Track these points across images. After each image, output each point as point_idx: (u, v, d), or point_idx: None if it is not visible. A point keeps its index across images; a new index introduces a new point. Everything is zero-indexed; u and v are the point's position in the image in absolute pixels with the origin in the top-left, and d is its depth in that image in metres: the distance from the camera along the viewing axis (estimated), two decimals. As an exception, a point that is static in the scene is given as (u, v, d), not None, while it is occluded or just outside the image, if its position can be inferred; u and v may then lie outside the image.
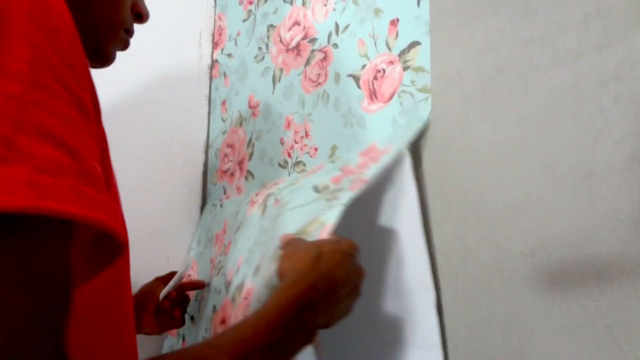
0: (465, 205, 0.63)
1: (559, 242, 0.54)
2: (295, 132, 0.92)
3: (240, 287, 0.78)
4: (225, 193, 1.12)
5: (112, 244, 0.36)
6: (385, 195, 0.69)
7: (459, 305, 0.63)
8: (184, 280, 0.97)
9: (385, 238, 0.69)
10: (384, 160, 0.66)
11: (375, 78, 0.77)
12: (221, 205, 1.09)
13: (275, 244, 0.71)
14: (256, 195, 0.93)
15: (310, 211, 0.69)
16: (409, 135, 0.67)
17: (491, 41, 0.63)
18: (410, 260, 0.66)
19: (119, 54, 0.65)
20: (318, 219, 0.65)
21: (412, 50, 0.71)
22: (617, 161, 0.51)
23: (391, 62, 0.74)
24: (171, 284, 0.89)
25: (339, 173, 0.75)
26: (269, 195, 0.85)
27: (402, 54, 0.73)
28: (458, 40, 0.67)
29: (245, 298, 0.78)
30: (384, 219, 0.70)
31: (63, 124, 0.32)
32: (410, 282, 0.66)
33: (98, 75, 0.63)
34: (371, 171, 0.66)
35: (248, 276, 0.77)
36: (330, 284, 0.49)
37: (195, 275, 1.07)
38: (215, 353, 0.38)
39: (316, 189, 0.74)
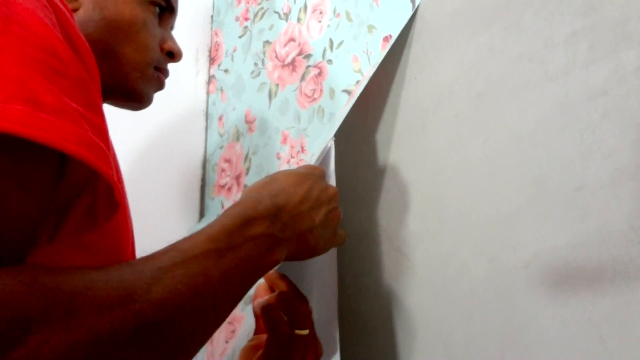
0: (460, 219, 0.64)
1: (552, 255, 0.55)
2: (292, 147, 0.93)
3: None
4: (222, 208, 1.12)
5: (108, 202, 0.38)
6: None
7: (455, 319, 0.63)
8: None
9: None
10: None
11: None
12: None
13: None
14: None
15: None
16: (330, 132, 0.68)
17: (482, 57, 0.64)
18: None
19: None
20: None
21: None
22: (606, 175, 0.52)
23: (384, 78, 0.76)
24: None
25: None
26: None
27: (395, 70, 0.74)
28: (449, 57, 0.68)
29: (230, 323, 0.79)
30: None
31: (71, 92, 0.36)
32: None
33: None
34: None
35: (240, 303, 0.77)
36: (284, 200, 0.47)
37: None
38: (145, 262, 0.35)
39: None
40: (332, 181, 0.63)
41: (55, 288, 0.29)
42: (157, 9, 0.65)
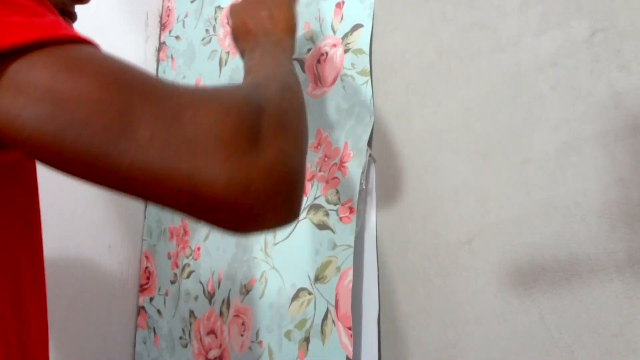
0: (406, 193, 0.62)
1: (496, 230, 0.54)
2: (241, 117, 0.89)
3: (227, 303, 0.83)
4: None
5: None
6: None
7: (398, 294, 0.61)
8: None
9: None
10: (352, 170, 0.67)
11: (318, 62, 0.74)
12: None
13: (256, 264, 0.78)
14: None
15: (306, 245, 0.71)
16: (365, 134, 0.66)
17: (433, 25, 0.61)
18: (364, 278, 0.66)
19: None
20: (332, 262, 0.67)
21: (355, 33, 0.69)
22: (553, 148, 0.50)
23: (334, 45, 0.72)
24: None
25: None
26: None
27: (345, 36, 0.71)
28: (401, 24, 0.65)
29: (237, 315, 0.81)
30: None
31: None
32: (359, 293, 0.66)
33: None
34: (347, 188, 0.67)
35: (235, 293, 0.82)
36: (256, 24, 0.60)
37: (152, 267, 1.03)
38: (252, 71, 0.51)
39: None
40: (373, 199, 0.66)
41: (260, 86, 0.43)
42: None
